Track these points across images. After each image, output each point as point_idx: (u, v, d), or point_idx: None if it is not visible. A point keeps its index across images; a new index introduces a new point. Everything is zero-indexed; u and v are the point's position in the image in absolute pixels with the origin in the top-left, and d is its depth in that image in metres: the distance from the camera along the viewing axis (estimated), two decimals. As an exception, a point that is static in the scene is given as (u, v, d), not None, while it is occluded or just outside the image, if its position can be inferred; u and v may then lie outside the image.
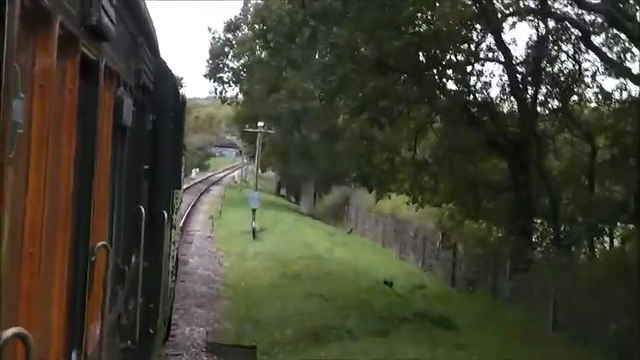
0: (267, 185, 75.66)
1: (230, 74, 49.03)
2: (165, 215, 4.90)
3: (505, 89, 15.58)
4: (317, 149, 42.29)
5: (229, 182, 63.57)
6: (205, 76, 48.79)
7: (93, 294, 2.51)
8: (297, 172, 46.73)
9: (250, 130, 35.05)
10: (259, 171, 48.52)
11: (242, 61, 47.15)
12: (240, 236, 23.02)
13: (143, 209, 3.86)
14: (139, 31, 3.64)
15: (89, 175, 2.44)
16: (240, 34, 46.84)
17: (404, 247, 23.88)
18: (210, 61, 48.31)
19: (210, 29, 49.28)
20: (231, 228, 25.53)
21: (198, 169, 67.98)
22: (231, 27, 47.04)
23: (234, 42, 47.14)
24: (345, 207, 43.77)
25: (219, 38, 48.28)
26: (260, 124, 27.25)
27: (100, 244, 2.57)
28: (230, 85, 49.40)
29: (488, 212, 15.85)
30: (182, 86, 51.76)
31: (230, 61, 48.80)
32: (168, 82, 5.15)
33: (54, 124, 1.90)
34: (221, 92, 49.63)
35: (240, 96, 48.44)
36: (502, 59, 15.12)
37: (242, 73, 48.30)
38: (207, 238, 22.43)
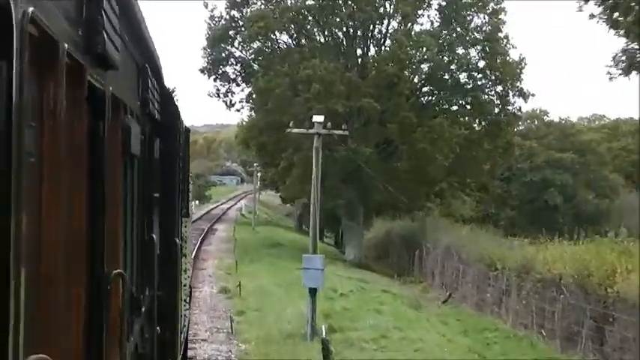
0: (274, 214, 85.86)
1: (238, 67, 50.72)
2: (178, 243, 6.58)
3: None
4: (374, 167, 44.38)
5: (236, 216, 70.22)
6: (203, 70, 49.84)
7: (110, 322, 3.57)
8: (339, 202, 47.77)
9: (301, 130, 29.02)
10: (268, 198, 51.14)
11: (254, 47, 48.89)
12: (291, 347, 17.65)
13: (155, 237, 5.51)
14: (144, 59, 5.32)
15: (101, 203, 3.45)
16: (249, 11, 48.32)
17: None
18: (209, 50, 49.35)
19: (206, 5, 50.26)
20: (263, 318, 21.14)
21: (197, 202, 71.34)
22: (239, 2, 48.46)
23: (241, 22, 48.57)
24: (400, 248, 46.00)
25: (221, 17, 49.34)
26: (319, 118, 25.06)
27: (115, 272, 3.82)
28: (238, 84, 51.11)
29: None
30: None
31: (237, 48, 50.05)
32: (173, 110, 7.10)
33: (64, 152, 2.69)
34: (226, 93, 50.96)
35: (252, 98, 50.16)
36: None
37: (254, 64, 49.88)
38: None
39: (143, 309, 5.08)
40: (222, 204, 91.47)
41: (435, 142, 46.09)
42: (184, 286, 8.70)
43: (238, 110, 54.02)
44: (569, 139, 69.81)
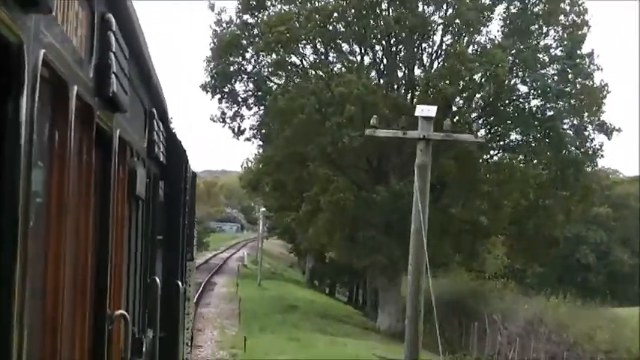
0: (277, 264, 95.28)
1: (250, 84, 51.80)
2: (180, 286, 8.49)
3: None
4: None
5: (237, 267, 74.65)
6: (204, 87, 50.68)
7: None
8: (377, 258, 46.95)
9: (394, 133, 24.67)
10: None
11: (271, 60, 49.66)
12: None
13: (158, 280, 7.20)
14: (151, 103, 7.01)
15: (105, 244, 4.55)
16: (266, 16, 49.09)
17: None
18: (214, 63, 50.28)
19: (212, 7, 51.01)
20: None
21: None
22: (253, 4, 49.14)
23: (256, 29, 49.29)
24: (449, 316, 46.92)
25: (230, 22, 50.53)
26: (427, 110, 20.99)
27: (118, 312, 5.25)
28: (249, 107, 51.96)
29: None
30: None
31: (249, 61, 50.90)
32: (179, 153, 9.08)
33: (72, 193, 3.48)
34: (233, 117, 51.85)
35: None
36: None
37: (271, 81, 51.22)
38: None
39: (144, 350, 6.72)
40: (221, 252, 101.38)
41: (503, 184, 46.84)
42: (187, 329, 11.11)
43: (249, 139, 54.50)
44: (605, 192, 71.93)
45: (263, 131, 52.53)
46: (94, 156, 4.16)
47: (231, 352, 29.07)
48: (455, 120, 46.72)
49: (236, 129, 52.68)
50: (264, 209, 70.62)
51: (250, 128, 53.20)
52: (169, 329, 8.49)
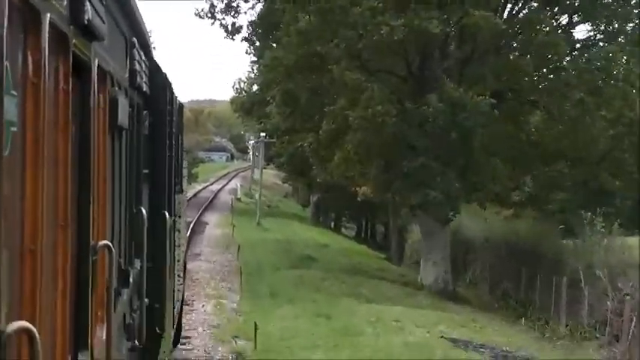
0: (271, 196, 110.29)
1: None
2: (167, 216, 11.49)
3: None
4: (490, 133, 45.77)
5: (231, 201, 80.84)
6: None
7: (97, 294, 6.32)
8: (430, 194, 46.39)
9: None
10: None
11: None
12: None
13: (144, 211, 9.68)
14: (132, 32, 9.22)
15: (87, 174, 5.77)
16: None
17: None
18: None
19: None
20: None
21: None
22: None
23: None
24: (516, 267, 49.51)
25: None
26: None
27: (101, 243, 7.03)
28: None
29: None
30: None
31: None
32: (164, 84, 11.75)
33: (49, 122, 4.39)
34: (226, 9, 53.04)
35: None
36: None
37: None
38: None
39: (131, 280, 9.06)
40: (211, 184, 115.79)
41: (596, 93, 46.46)
42: (178, 261, 14.63)
43: (246, 39, 55.51)
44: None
45: (266, 28, 53.09)
46: (72, 85, 5.19)
47: (235, 346, 25.63)
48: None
49: (230, 26, 53.94)
50: (263, 134, 74.84)
51: (249, 25, 54.41)
52: (157, 261, 11.24)
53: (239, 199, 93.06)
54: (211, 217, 68.08)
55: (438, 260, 49.95)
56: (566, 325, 42.35)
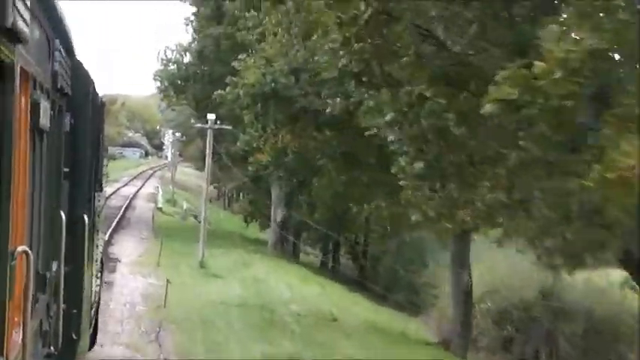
0: (195, 199, 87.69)
1: None
2: (86, 219, 11.51)
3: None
4: None
5: (152, 212, 70.21)
6: None
7: (13, 300, 6.76)
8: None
9: None
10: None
11: None
12: None
13: (63, 214, 9.75)
14: (55, 33, 9.18)
15: (6, 178, 5.80)
16: None
17: None
18: None
19: None
20: None
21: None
22: None
23: None
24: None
25: None
26: None
27: (20, 248, 7.02)
28: None
29: None
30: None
31: None
32: (86, 84, 11.83)
33: None
34: None
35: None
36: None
37: None
38: None
39: (48, 285, 8.97)
40: (125, 185, 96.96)
41: None
42: (96, 261, 14.94)
43: None
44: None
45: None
46: None
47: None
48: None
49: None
50: (212, 116, 49.51)
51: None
52: (75, 262, 11.33)
53: (160, 209, 76.96)
54: (124, 247, 47.37)
55: (459, 315, 44.42)
56: None
